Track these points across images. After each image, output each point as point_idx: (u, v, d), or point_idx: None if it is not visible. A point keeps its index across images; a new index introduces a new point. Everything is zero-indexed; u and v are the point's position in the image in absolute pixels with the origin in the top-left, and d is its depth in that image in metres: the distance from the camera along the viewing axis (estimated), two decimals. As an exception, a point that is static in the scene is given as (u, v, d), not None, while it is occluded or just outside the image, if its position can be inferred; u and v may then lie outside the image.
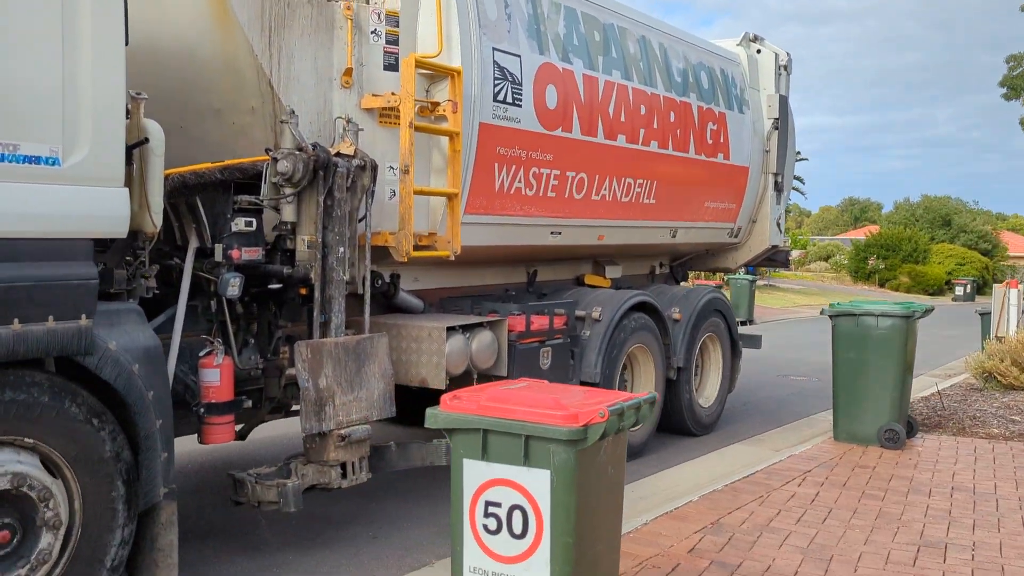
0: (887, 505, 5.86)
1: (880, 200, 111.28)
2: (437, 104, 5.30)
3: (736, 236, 9.14)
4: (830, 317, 7.57)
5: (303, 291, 4.76)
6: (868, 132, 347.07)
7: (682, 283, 9.50)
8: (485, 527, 3.45)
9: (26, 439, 3.26)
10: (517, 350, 5.87)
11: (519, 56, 5.78)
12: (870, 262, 48.43)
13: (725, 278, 24.90)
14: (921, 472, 6.73)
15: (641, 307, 7.21)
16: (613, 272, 8.01)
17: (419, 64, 5.06)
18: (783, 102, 9.11)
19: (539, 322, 6.12)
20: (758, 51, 9.12)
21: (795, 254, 57.67)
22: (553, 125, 6.12)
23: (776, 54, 9.14)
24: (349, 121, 4.83)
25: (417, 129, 5.06)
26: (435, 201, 5.44)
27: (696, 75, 7.90)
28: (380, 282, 5.55)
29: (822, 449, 7.40)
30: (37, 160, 3.26)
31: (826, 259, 56.36)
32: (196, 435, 4.53)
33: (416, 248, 5.28)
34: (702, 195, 8.20)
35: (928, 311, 7.54)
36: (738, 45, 9.02)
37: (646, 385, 7.34)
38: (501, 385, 3.86)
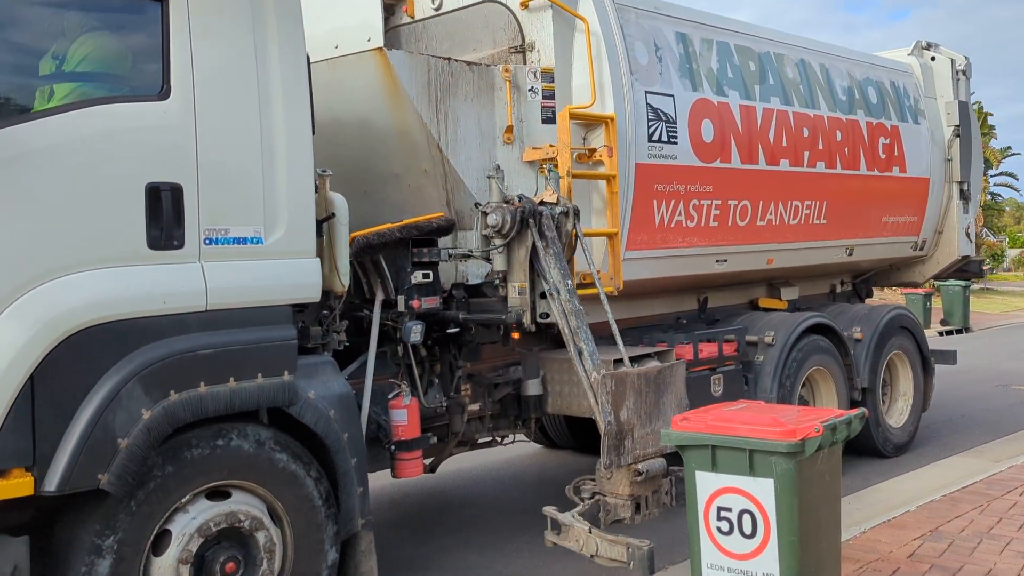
0: None
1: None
2: (594, 150, 5.59)
3: (921, 249, 8.79)
4: None
5: (516, 336, 5.16)
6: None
7: (867, 300, 9.24)
8: (719, 529, 3.99)
9: (263, 489, 3.83)
10: (688, 379, 6.00)
11: (672, 96, 5.98)
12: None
13: (936, 286, 23.48)
14: None
15: (817, 328, 7.14)
16: (789, 294, 7.94)
17: (573, 115, 5.38)
18: (963, 108, 8.71)
19: (708, 350, 6.23)
20: (932, 59, 8.79)
21: (1014, 253, 53.18)
22: (711, 157, 6.26)
23: (952, 60, 8.77)
24: (550, 170, 5.21)
25: (575, 176, 5.37)
26: (597, 240, 5.72)
27: (863, 91, 7.76)
28: (548, 318, 5.87)
29: None
30: (244, 240, 3.84)
31: (1050, 257, 51.54)
32: (389, 470, 5.02)
33: (581, 287, 5.57)
34: (878, 210, 8.00)
35: None
36: (910, 55, 8.74)
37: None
38: (724, 407, 4.40)
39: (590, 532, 4.43)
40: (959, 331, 22.40)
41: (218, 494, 3.74)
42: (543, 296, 5.11)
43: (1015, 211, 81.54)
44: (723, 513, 3.97)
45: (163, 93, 3.64)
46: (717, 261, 6.59)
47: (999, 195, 44.07)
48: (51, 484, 3.29)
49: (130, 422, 3.45)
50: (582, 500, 4.83)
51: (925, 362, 8.31)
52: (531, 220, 4.90)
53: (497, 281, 5.08)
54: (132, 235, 3.55)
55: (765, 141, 6.69)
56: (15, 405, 3.23)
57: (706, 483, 4.01)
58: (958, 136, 8.74)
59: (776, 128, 6.79)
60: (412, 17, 6.15)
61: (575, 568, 5.37)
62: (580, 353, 4.91)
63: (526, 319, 5.02)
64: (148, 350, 3.54)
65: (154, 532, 3.57)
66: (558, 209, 5.02)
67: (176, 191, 3.64)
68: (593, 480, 4.86)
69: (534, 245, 4.96)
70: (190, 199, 3.68)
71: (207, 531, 3.66)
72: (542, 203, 5.02)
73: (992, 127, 37.24)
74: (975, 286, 34.20)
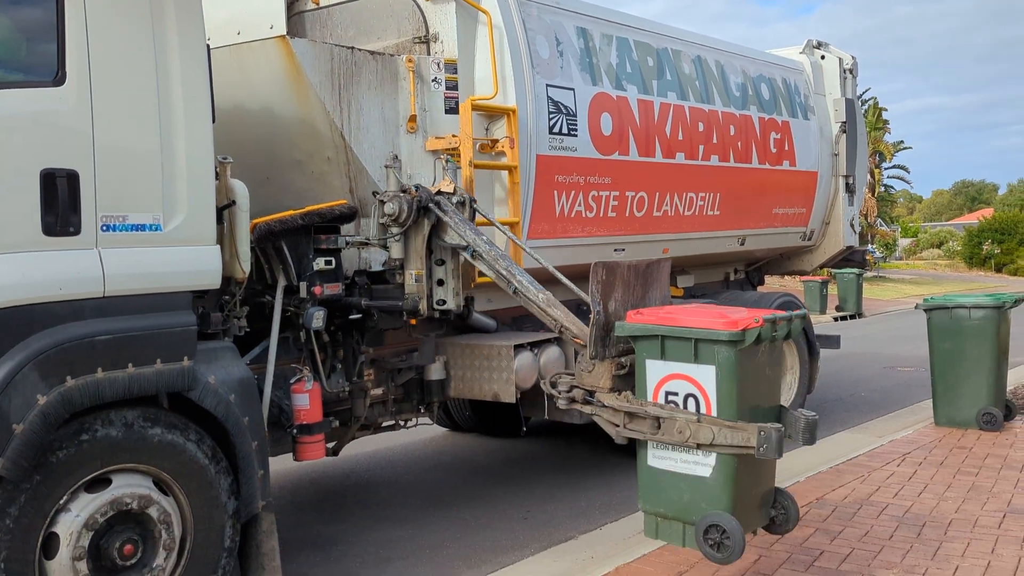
0: (980, 480, 6.31)
1: (995, 181, 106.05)
2: (496, 141, 5.75)
3: (809, 239, 9.26)
4: (925, 311, 8.04)
5: (413, 322, 5.27)
6: (983, 110, 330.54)
7: (759, 287, 9.67)
8: None
9: (144, 465, 3.85)
10: (584, 363, 6.23)
11: (572, 89, 6.17)
12: (985, 247, 46.44)
13: (832, 273, 24.50)
14: (1017, 451, 7.11)
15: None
16: (685, 281, 8.27)
17: (476, 107, 5.52)
18: (850, 105, 9.19)
19: (604, 336, 6.45)
20: (822, 57, 9.23)
21: (906, 242, 55.76)
22: (609, 150, 6.49)
23: (840, 59, 9.23)
24: (448, 161, 5.33)
25: (477, 167, 5.52)
26: (499, 238, 5.86)
27: (756, 87, 8.11)
28: (454, 306, 6.02)
29: (923, 434, 7.84)
30: (142, 228, 3.86)
31: (939, 246, 54.31)
32: (291, 453, 5.09)
33: (482, 274, 5.73)
34: (769, 202, 8.39)
35: (1020, 300, 7.76)
36: (801, 53, 9.16)
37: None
38: (677, 306, 4.84)
39: (699, 420, 4.22)
40: (853, 316, 23.49)
41: (100, 482, 3.74)
42: (440, 283, 5.25)
43: (908, 202, 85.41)
44: (670, 397, 4.36)
45: (58, 79, 3.62)
46: (615, 250, 6.83)
47: (892, 187, 46.14)
48: None
49: (25, 407, 3.45)
50: (559, 393, 4.83)
51: (811, 346, 8.75)
52: (430, 207, 5.02)
53: (395, 268, 5.18)
54: (27, 221, 3.54)
55: (662, 135, 6.96)
56: (-95, 392, 3.20)
57: (655, 370, 4.41)
58: (845, 132, 9.21)
59: (673, 122, 7.06)
60: (317, 4, 6.17)
61: (499, 537, 5.69)
62: (521, 286, 5.10)
63: (422, 306, 5.17)
64: (44, 336, 3.54)
65: (39, 539, 3.56)
66: (455, 199, 5.16)
67: (72, 177, 3.64)
68: (571, 374, 4.87)
69: (433, 229, 5.10)
70: (86, 185, 3.68)
71: (94, 524, 3.67)
72: (439, 192, 5.15)
73: (887, 122, 38.96)
74: (868, 274, 35.83)
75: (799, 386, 8.61)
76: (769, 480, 4.60)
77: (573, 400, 4.79)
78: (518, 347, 5.76)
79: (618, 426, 4.56)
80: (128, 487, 3.80)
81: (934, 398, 8.11)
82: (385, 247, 5.17)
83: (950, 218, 76.00)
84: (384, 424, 6.06)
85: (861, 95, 39.54)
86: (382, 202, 5.04)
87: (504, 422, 7.86)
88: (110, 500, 3.74)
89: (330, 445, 5.80)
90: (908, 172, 48.47)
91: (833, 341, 9.27)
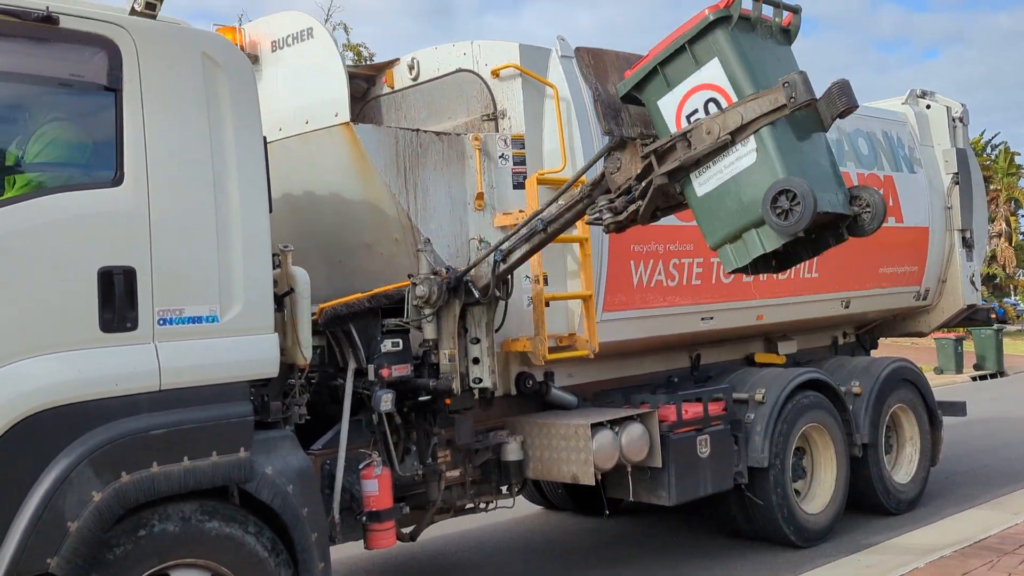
0: None
1: None
2: (567, 214, 5.63)
3: (924, 299, 8.67)
4: None
5: (448, 401, 5.18)
6: None
7: (872, 352, 9.12)
8: None
9: (203, 560, 3.83)
10: (671, 440, 5.95)
11: (647, 157, 6.01)
12: None
13: (967, 330, 23.03)
14: None
15: (811, 384, 7.04)
16: (787, 347, 7.87)
17: (541, 181, 5.44)
18: (961, 155, 8.65)
19: (692, 410, 6.17)
20: (927, 107, 8.76)
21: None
22: (690, 215, 6.25)
23: (948, 107, 8.73)
24: (481, 240, 5.28)
25: (545, 241, 5.40)
26: (574, 303, 5.73)
27: (852, 143, 7.74)
28: (531, 382, 5.88)
29: None
30: (199, 320, 3.91)
31: (1092, 294, 50.36)
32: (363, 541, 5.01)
33: (555, 350, 5.59)
34: (874, 261, 7.92)
35: None
36: (904, 103, 8.73)
37: (826, 465, 7.12)
38: None
39: (722, 111, 4.24)
40: (993, 375, 21.92)
41: None
42: (475, 362, 5.16)
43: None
44: (692, 118, 4.25)
45: (116, 179, 3.75)
46: (702, 319, 6.56)
47: (1032, 234, 43.34)
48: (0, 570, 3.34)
49: (80, 505, 3.49)
50: (604, 217, 4.77)
51: (932, 415, 8.13)
52: (460, 287, 5.02)
53: (430, 349, 5.12)
54: (85, 319, 3.63)
55: (748, 197, 6.67)
56: (-35, 491, 3.29)
57: (669, 105, 4.32)
58: (957, 183, 8.66)
59: (760, 184, 6.77)
60: (392, 88, 6.29)
61: None
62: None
63: (455, 385, 5.08)
64: (99, 432, 3.60)
65: None
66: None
67: (129, 274, 3.72)
68: (605, 196, 4.82)
69: (466, 308, 5.06)
70: (144, 281, 3.76)
71: None
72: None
73: (1020, 167, 36.77)
74: (1011, 328, 33.50)
75: (920, 458, 7.99)
76: (829, 155, 4.47)
77: (616, 211, 4.69)
78: (596, 425, 5.55)
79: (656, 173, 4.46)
80: None
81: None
82: (419, 328, 5.11)
83: (1104, 263, 70.59)
84: (465, 507, 5.91)
85: (990, 140, 37.67)
86: (414, 284, 5.00)
87: (596, 501, 7.57)
88: None
89: (408, 530, 5.72)
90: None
91: (958, 408, 8.60)
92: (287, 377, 4.51)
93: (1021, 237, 38.60)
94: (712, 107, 4.25)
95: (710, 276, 6.48)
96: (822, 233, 4.44)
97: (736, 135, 4.15)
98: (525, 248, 5.07)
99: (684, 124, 4.32)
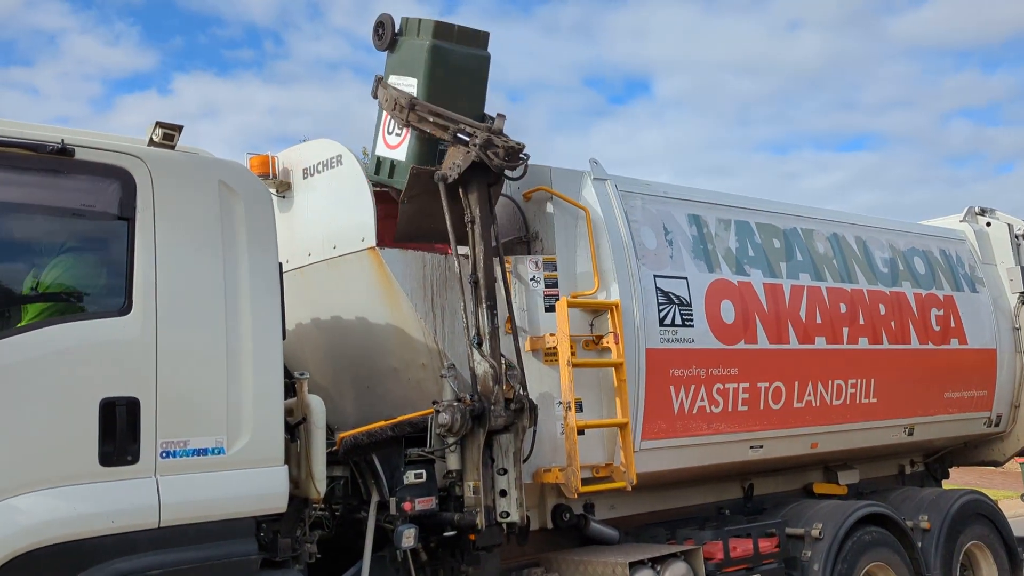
0: None
1: None
2: (600, 337, 5.43)
3: (997, 425, 8.11)
4: None
5: (472, 537, 4.89)
6: None
7: (944, 480, 8.53)
8: None
9: None
10: (722, 583, 5.53)
11: (685, 278, 5.83)
12: None
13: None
14: None
15: (874, 519, 6.54)
16: (848, 477, 7.38)
17: (572, 304, 5.27)
18: (1027, 273, 8.25)
19: (742, 547, 5.75)
20: (988, 224, 8.45)
21: None
22: (733, 339, 6.00)
23: (1010, 224, 8.41)
24: (509, 367, 5.08)
25: (577, 365, 5.20)
26: (610, 431, 5.45)
27: (908, 261, 7.45)
28: (568, 515, 5.56)
29: None
30: (204, 452, 3.78)
31: None
32: None
33: (590, 481, 5.29)
34: (938, 386, 7.46)
35: None
36: (962, 221, 8.43)
37: None
38: None
39: None
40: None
41: None
42: (503, 494, 4.86)
43: None
44: None
45: (124, 308, 3.70)
46: (751, 448, 6.19)
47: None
48: None
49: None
50: None
51: (1011, 553, 7.47)
52: (479, 420, 4.79)
53: (454, 480, 4.86)
54: (84, 452, 3.52)
55: (796, 319, 6.40)
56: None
57: None
58: (1024, 303, 8.23)
59: (808, 304, 6.51)
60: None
61: None
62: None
63: (479, 520, 4.77)
64: (94, 572, 3.43)
65: None
66: (513, 406, 4.86)
67: (132, 405, 3.63)
68: None
69: (491, 436, 4.83)
70: (147, 412, 3.66)
71: None
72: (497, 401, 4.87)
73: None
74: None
75: (1003, 604, 7.30)
76: None
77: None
78: (635, 564, 5.18)
79: None
80: None
81: None
82: (443, 459, 4.87)
83: None
84: (497, 652, 5.52)
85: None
86: (437, 412, 4.80)
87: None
88: None
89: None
90: None
91: (1041, 544, 7.89)
92: (300, 512, 4.31)
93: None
94: None
95: (758, 402, 6.14)
96: None
97: None
98: (482, 311, 4.92)
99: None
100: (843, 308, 6.74)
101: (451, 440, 4.87)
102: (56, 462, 3.46)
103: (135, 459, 3.61)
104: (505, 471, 4.98)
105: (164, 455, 3.68)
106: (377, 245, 5.01)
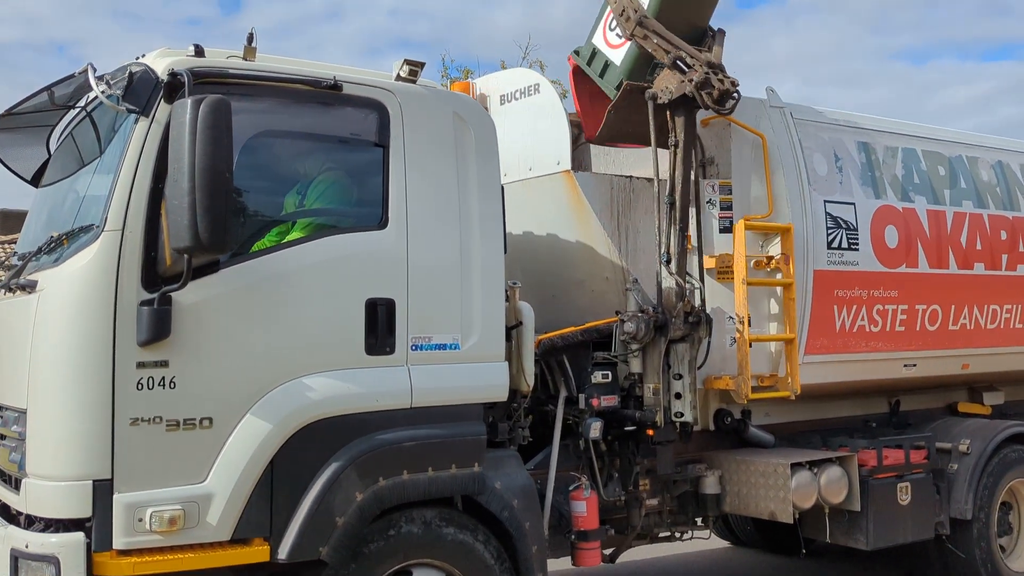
0: None
1: None
2: (771, 258, 5.83)
3: None
4: None
5: (651, 432, 5.48)
6: None
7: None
8: None
9: (439, 561, 4.30)
10: (870, 485, 5.97)
11: (853, 204, 6.12)
12: None
13: None
14: None
15: (1019, 438, 6.82)
16: (993, 398, 7.61)
17: (748, 227, 5.67)
18: None
19: (893, 456, 6.16)
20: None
21: None
22: (895, 263, 6.29)
23: None
24: (691, 284, 5.56)
25: (750, 284, 5.63)
26: (775, 344, 5.90)
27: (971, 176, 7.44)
28: (729, 419, 6.08)
29: None
30: (444, 347, 4.43)
31: None
32: (569, 557, 5.36)
33: (757, 389, 5.77)
34: (1092, 313, 7.55)
35: None
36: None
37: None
38: None
39: None
40: None
41: (403, 574, 4.24)
42: (678, 397, 5.38)
43: None
44: None
45: (382, 223, 4.33)
46: (905, 366, 6.53)
47: None
48: (283, 553, 3.92)
49: (347, 503, 4.04)
50: None
51: None
52: (662, 329, 5.30)
53: (635, 382, 5.43)
54: (354, 343, 4.21)
55: (956, 245, 6.62)
56: (259, 485, 3.90)
57: None
58: None
59: (969, 232, 6.70)
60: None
61: None
62: None
63: (659, 418, 5.34)
64: (363, 441, 4.15)
65: None
66: (691, 319, 5.35)
67: (390, 305, 4.29)
68: None
69: (671, 345, 5.34)
70: (401, 311, 4.31)
71: None
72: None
73: None
74: None
75: None
76: None
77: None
78: (796, 465, 5.68)
79: None
80: None
81: None
82: (626, 362, 5.42)
83: None
84: (660, 535, 6.16)
85: None
86: (622, 321, 5.32)
87: (787, 540, 7.60)
88: None
89: (608, 552, 6.02)
90: None
91: None
92: (511, 402, 4.96)
93: None
94: None
95: (914, 323, 6.45)
96: None
97: None
98: (675, 233, 5.35)
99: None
100: (1003, 235, 6.90)
101: (635, 347, 5.41)
102: (334, 350, 4.16)
103: (392, 350, 4.29)
104: (680, 376, 5.50)
105: (414, 348, 4.35)
106: (573, 166, 5.49)
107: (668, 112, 5.40)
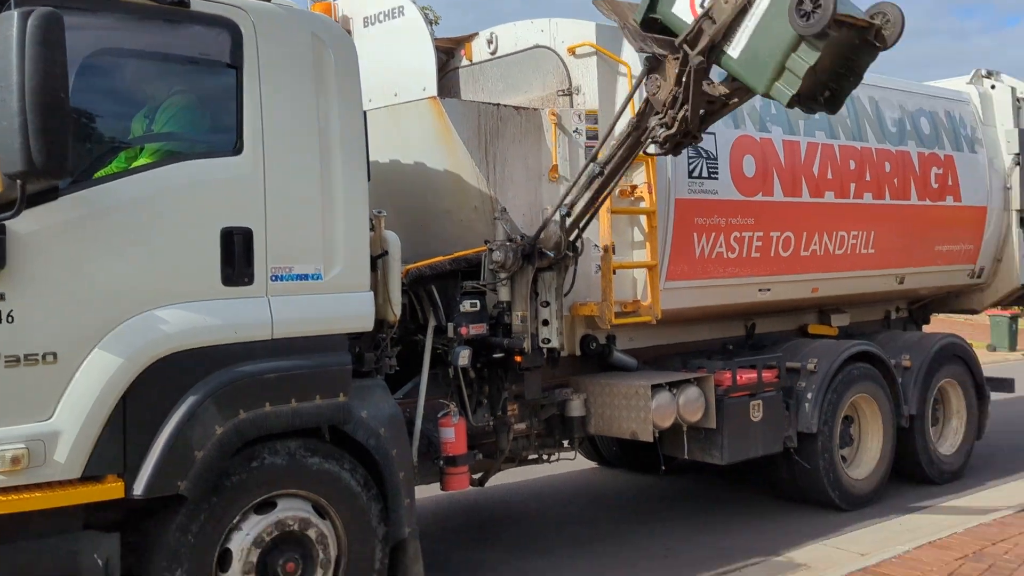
0: None
1: None
2: (635, 187, 5.95)
3: (979, 277, 8.82)
4: None
5: (519, 359, 5.58)
6: None
7: (924, 328, 9.31)
8: None
9: (304, 491, 4.29)
10: (725, 403, 6.29)
11: (713, 133, 6.26)
12: None
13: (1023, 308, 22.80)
14: None
15: (863, 356, 7.30)
16: (840, 320, 8.10)
17: (614, 156, 5.74)
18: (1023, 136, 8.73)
19: (746, 376, 6.49)
20: (992, 87, 8.83)
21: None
22: (752, 191, 6.54)
23: (1013, 88, 8.80)
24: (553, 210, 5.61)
25: (614, 212, 5.75)
26: (638, 272, 6.07)
27: (915, 122, 7.89)
28: (595, 345, 6.25)
29: None
30: (306, 277, 4.34)
31: None
32: (439, 483, 5.45)
33: (621, 315, 5.95)
34: (931, 239, 8.10)
35: None
36: (969, 83, 8.81)
37: (873, 434, 7.41)
38: None
39: None
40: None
41: (266, 505, 4.20)
42: (545, 323, 5.51)
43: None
44: (706, 2, 4.58)
45: (236, 148, 4.16)
46: (760, 290, 6.85)
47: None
48: (139, 488, 3.81)
49: (206, 436, 3.95)
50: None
51: (979, 390, 8.34)
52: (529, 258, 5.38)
53: (504, 310, 5.52)
54: (209, 273, 4.07)
55: (809, 174, 6.93)
56: (110, 421, 3.76)
57: (682, 8, 4.77)
58: (1018, 164, 8.75)
59: (821, 161, 7.01)
60: (470, 60, 6.62)
61: (638, 574, 5.85)
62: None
63: (527, 345, 5.47)
64: (221, 374, 4.05)
65: (216, 553, 4.05)
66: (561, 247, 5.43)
67: (247, 235, 4.15)
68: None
69: (538, 273, 5.44)
70: (259, 241, 4.18)
71: (261, 542, 4.14)
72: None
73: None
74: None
75: (965, 432, 8.24)
76: None
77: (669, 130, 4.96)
78: (656, 387, 5.91)
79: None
80: (291, 510, 4.25)
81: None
82: (495, 291, 5.50)
83: None
84: (529, 457, 6.34)
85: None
86: (491, 250, 5.38)
87: (649, 459, 7.96)
88: (275, 521, 4.20)
89: (477, 476, 6.16)
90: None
91: (1006, 385, 8.77)
92: (378, 332, 4.94)
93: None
94: None
95: (769, 250, 6.75)
96: (856, 52, 4.65)
97: None
98: (587, 196, 5.38)
99: (699, 11, 4.61)
100: (852, 165, 7.26)
101: (503, 276, 5.46)
102: (188, 281, 4.01)
103: (251, 281, 4.17)
104: (548, 304, 5.61)
105: (274, 278, 4.24)
106: (440, 92, 5.41)
107: None
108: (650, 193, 5.87)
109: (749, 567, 5.85)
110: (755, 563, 5.92)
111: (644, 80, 5.09)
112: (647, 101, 5.12)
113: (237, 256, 4.12)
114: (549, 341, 5.62)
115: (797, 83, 4.51)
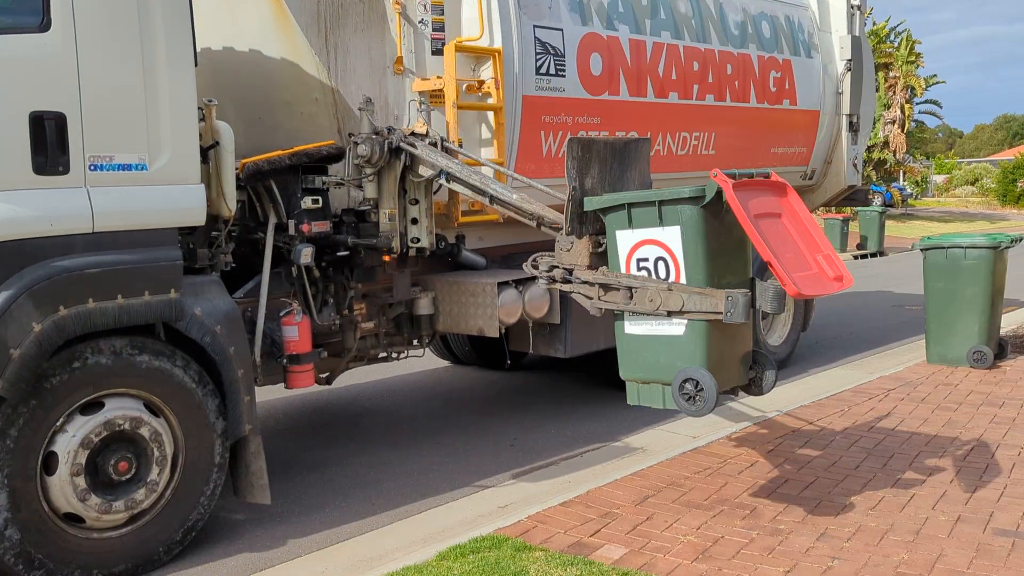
0: (957, 415, 6.56)
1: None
2: (482, 82, 5.87)
3: (810, 179, 9.30)
4: (921, 251, 8.34)
5: (387, 258, 5.50)
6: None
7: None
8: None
9: (134, 390, 4.15)
10: (569, 300, 6.41)
11: (561, 30, 6.25)
12: (1020, 184, 45.53)
13: (854, 210, 24.32)
14: (1001, 387, 7.36)
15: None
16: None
17: (460, 48, 5.64)
18: (856, 42, 9.12)
19: (590, 272, 6.65)
20: (829, -7, 9.15)
21: (939, 179, 54.83)
22: (599, 90, 6.58)
23: (848, -6, 9.14)
24: (422, 103, 5.48)
25: (461, 107, 5.67)
26: (486, 169, 6.03)
27: (756, 25, 8.10)
28: (444, 243, 6.23)
29: (912, 371, 8.10)
30: (128, 167, 4.09)
31: (973, 183, 53.26)
32: (283, 382, 5.39)
33: (468, 213, 5.94)
34: (768, 142, 8.44)
35: (1017, 240, 7.90)
36: (807, -11, 9.08)
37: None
38: None
39: (669, 288, 4.35)
40: (874, 255, 23.42)
41: (94, 405, 4.06)
42: (414, 222, 5.45)
43: (948, 138, 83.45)
44: (641, 264, 4.50)
45: (43, 25, 3.82)
46: (604, 189, 6.96)
47: (923, 122, 45.16)
48: None
49: (23, 334, 3.74)
50: (540, 273, 4.98)
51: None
52: (402, 147, 5.22)
53: (370, 208, 5.39)
54: (18, 161, 3.78)
55: (654, 74, 7.02)
56: (-89, 319, 3.49)
57: (625, 240, 4.54)
58: (850, 70, 9.16)
59: (666, 62, 7.12)
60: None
61: (485, 462, 6.00)
62: (496, 192, 5.24)
63: (395, 244, 5.39)
64: (37, 268, 3.82)
65: (40, 457, 3.90)
66: (427, 140, 5.33)
67: (59, 119, 3.86)
68: (551, 255, 4.99)
69: (407, 169, 5.30)
70: (74, 127, 3.90)
71: (90, 443, 4.01)
72: (412, 134, 5.32)
73: (920, 55, 37.95)
74: (895, 211, 35.40)
75: (792, 324, 8.78)
76: (745, 343, 4.69)
77: (553, 279, 4.92)
78: (502, 284, 5.98)
79: (592, 299, 4.71)
80: (120, 410, 4.11)
81: (927, 336, 8.34)
82: (360, 187, 5.36)
83: (989, 154, 74.19)
84: (378, 356, 6.34)
85: (895, 27, 38.53)
86: (356, 144, 5.23)
87: (498, 356, 8.13)
88: (103, 421, 4.06)
89: (325, 375, 6.12)
90: (940, 107, 47.39)
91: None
92: (212, 227, 4.75)
93: (914, 125, 40.28)
94: (661, 268, 4.44)
95: (614, 148, 6.85)
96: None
97: (673, 315, 4.35)
98: (464, 191, 5.32)
99: (633, 267, 4.55)
100: (696, 66, 7.40)
101: (369, 171, 5.31)
102: (-5, 169, 3.71)
103: (66, 170, 3.90)
104: (417, 201, 5.52)
105: (92, 168, 3.98)
106: (273, -24, 5.12)
107: None
108: (497, 89, 5.82)
109: (590, 452, 6.13)
110: (596, 448, 6.21)
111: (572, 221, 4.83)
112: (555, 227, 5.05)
113: (50, 143, 3.84)
114: (419, 240, 5.55)
115: (648, 404, 4.71)
